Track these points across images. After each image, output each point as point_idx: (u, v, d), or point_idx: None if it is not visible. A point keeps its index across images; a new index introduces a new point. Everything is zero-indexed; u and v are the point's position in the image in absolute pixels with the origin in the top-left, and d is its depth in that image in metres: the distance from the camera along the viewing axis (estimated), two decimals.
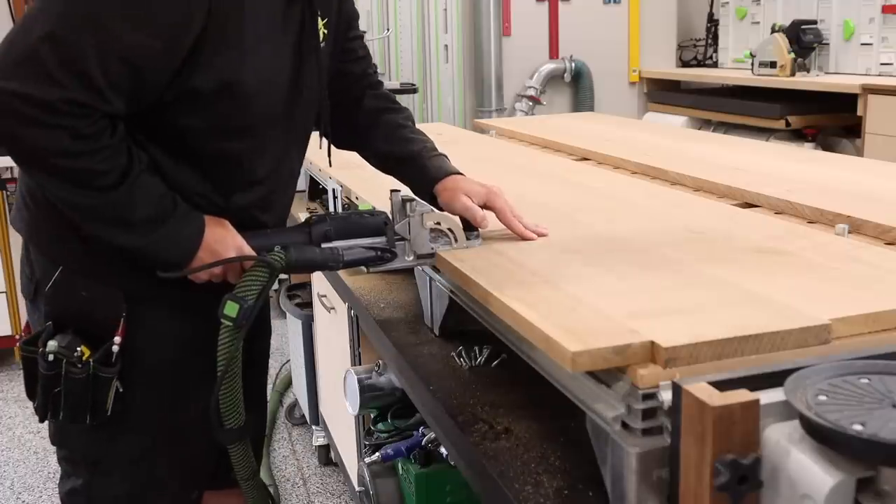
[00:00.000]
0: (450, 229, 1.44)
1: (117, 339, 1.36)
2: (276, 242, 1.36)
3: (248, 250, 1.34)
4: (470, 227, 1.46)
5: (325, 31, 1.44)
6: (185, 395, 1.42)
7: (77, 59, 1.16)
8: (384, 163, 1.65)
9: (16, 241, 4.05)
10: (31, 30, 1.16)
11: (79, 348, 1.34)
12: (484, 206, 1.48)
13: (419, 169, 1.57)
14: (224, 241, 1.33)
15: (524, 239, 1.46)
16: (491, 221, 1.48)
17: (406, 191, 1.53)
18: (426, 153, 1.58)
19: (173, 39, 1.21)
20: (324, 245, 1.39)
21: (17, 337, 3.90)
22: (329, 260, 1.37)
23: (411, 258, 1.44)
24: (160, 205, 1.28)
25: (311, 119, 1.52)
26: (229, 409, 1.36)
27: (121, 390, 1.38)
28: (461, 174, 1.55)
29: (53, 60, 1.15)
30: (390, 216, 1.45)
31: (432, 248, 1.44)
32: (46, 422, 1.44)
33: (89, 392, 1.35)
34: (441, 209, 1.50)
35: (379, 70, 1.75)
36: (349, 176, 2.19)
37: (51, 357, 1.33)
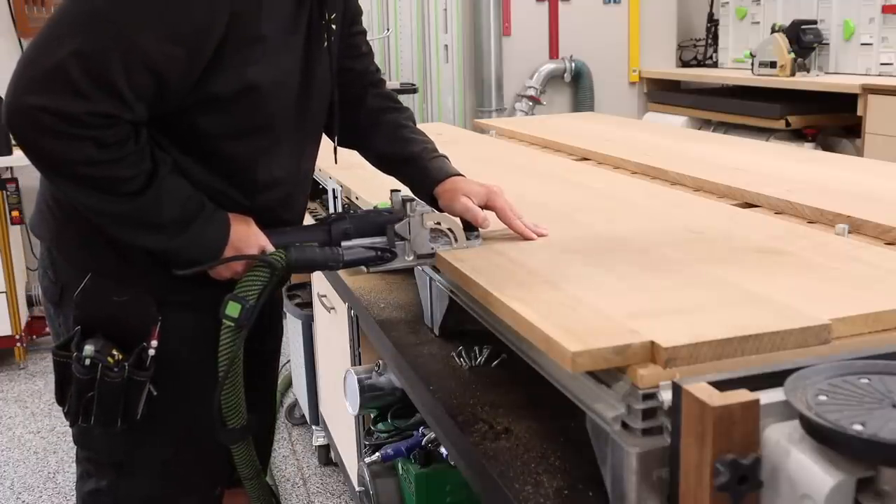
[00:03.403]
0: (450, 229, 1.44)
1: (154, 343, 1.37)
2: (296, 240, 1.38)
3: (271, 248, 1.36)
4: (470, 227, 1.46)
5: (334, 27, 1.45)
6: (208, 394, 1.42)
7: (104, 73, 1.17)
8: (384, 163, 1.65)
9: (16, 240, 4.05)
10: (55, 45, 1.17)
11: (113, 353, 1.35)
12: (484, 207, 1.48)
13: (420, 170, 1.56)
14: (248, 239, 1.35)
15: (525, 238, 1.46)
16: (492, 221, 1.48)
17: (406, 191, 1.53)
18: (427, 154, 1.58)
19: (197, 46, 1.23)
20: (343, 244, 1.40)
21: (17, 337, 3.91)
22: (329, 259, 1.38)
23: (411, 258, 1.44)
24: (187, 206, 1.30)
25: (323, 117, 1.53)
26: (231, 410, 1.37)
27: (154, 394, 1.39)
28: (461, 175, 1.55)
29: (80, 75, 1.16)
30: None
31: (432, 248, 1.43)
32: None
33: (122, 396, 1.36)
34: (442, 211, 1.50)
35: (379, 70, 1.75)
36: (349, 176, 2.19)
37: (87, 362, 1.33)
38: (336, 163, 1.61)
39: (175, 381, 1.42)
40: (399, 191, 1.47)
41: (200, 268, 1.33)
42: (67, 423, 1.42)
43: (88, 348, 1.33)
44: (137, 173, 1.25)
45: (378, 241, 1.42)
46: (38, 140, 1.20)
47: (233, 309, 1.30)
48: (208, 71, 1.26)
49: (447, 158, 1.60)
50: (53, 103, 1.16)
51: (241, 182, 1.39)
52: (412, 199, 1.46)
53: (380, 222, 1.42)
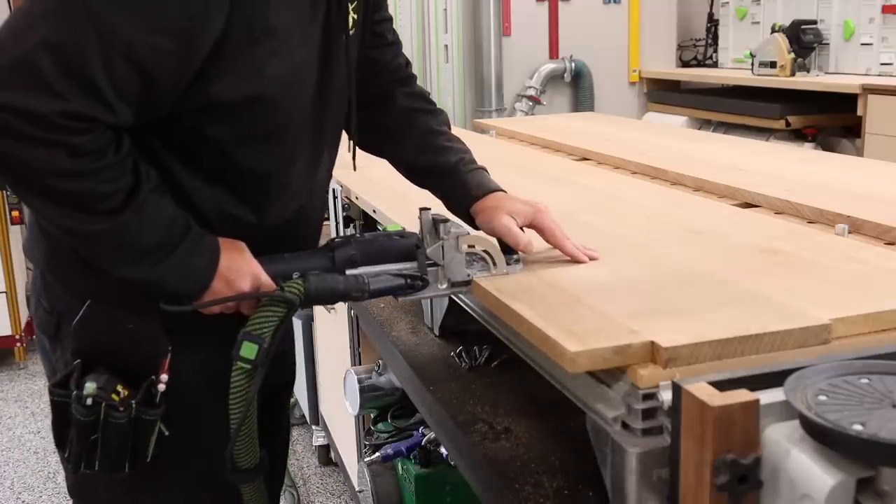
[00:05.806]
0: (486, 251, 1.27)
1: (164, 377, 1.22)
2: (295, 269, 1.21)
3: (265, 278, 1.20)
4: (509, 249, 1.29)
5: (356, 17, 1.28)
6: (223, 432, 1.26)
7: (79, 67, 1.01)
8: (415, 173, 1.47)
9: (16, 240, 4.05)
10: (23, 34, 1.01)
11: (118, 388, 1.20)
12: (529, 226, 1.32)
13: (456, 184, 1.39)
14: (239, 269, 1.19)
15: (576, 261, 1.29)
16: (534, 244, 1.31)
17: (438, 207, 1.39)
18: (464, 166, 1.40)
19: (190, 38, 1.06)
20: (347, 272, 1.24)
21: (17, 337, 3.91)
22: (353, 289, 1.21)
23: (445, 286, 1.27)
24: (171, 230, 1.14)
25: (342, 119, 1.37)
26: (245, 453, 1.23)
27: (166, 433, 1.24)
28: (503, 191, 1.38)
29: (50, 68, 0.99)
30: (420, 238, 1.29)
31: (468, 275, 1.26)
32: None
33: (130, 438, 1.21)
34: (478, 230, 1.34)
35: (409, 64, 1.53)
36: (349, 176, 2.18)
37: (89, 401, 1.18)
38: (354, 169, 1.44)
39: (187, 418, 1.27)
40: (429, 209, 1.29)
41: (197, 305, 1.16)
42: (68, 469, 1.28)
43: (90, 386, 1.18)
44: (116, 189, 1.08)
45: (408, 266, 1.26)
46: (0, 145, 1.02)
47: (248, 350, 1.15)
48: (209, 70, 1.09)
49: (486, 171, 1.43)
50: (19, 101, 0.99)
51: (252, 196, 1.24)
52: (445, 220, 1.27)
53: (390, 247, 1.27)
